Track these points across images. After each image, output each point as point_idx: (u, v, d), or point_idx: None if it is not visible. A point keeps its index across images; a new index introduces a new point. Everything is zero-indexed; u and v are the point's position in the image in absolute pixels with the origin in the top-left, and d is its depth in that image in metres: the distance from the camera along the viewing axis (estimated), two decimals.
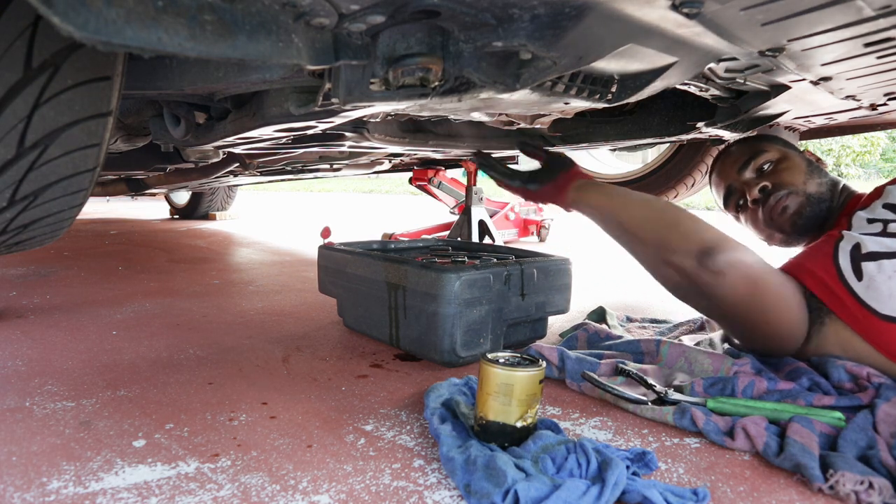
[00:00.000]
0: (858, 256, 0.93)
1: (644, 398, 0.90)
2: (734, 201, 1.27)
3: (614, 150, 2.28)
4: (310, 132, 1.15)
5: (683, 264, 0.92)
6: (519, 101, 0.88)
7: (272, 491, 0.66)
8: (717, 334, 1.20)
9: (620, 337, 1.20)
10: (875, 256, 0.91)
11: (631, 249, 1.03)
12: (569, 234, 3.81)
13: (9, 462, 0.72)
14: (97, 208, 5.80)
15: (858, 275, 0.91)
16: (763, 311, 0.92)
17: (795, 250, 1.19)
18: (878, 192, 1.07)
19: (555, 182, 1.15)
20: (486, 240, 2.85)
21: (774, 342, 0.96)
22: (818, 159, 1.30)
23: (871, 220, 1.00)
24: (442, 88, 0.75)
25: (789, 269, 1.00)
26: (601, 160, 2.56)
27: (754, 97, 1.09)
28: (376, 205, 7.46)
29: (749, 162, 1.24)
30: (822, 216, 1.18)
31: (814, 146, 9.04)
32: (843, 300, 0.92)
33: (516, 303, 1.16)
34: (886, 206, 1.01)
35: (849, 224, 1.03)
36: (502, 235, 3.17)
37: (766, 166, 1.23)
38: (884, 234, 0.96)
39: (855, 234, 0.96)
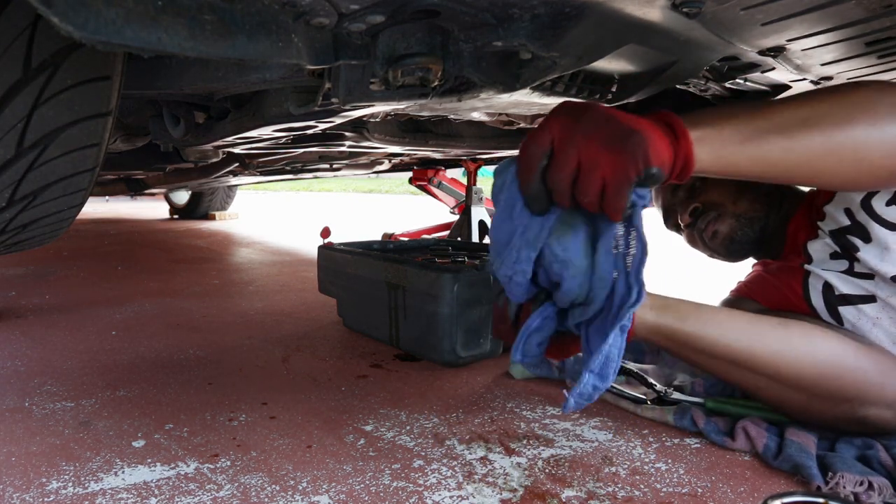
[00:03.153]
0: (833, 299, 0.86)
1: (644, 397, 0.90)
2: (672, 223, 1.12)
3: None
4: (309, 132, 1.14)
5: (884, 416, 0.76)
6: (519, 101, 0.88)
7: (272, 491, 0.66)
8: None
9: None
10: (851, 300, 0.84)
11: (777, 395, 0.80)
12: None
13: (8, 462, 0.72)
14: (97, 208, 5.80)
15: (837, 320, 0.85)
16: None
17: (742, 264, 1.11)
18: (816, 211, 0.93)
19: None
20: (487, 240, 2.85)
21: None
22: None
23: (834, 255, 0.88)
24: (442, 88, 0.75)
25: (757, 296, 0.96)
26: None
27: (754, 97, 1.09)
28: (376, 205, 7.46)
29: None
30: (756, 238, 1.02)
31: None
32: None
33: None
34: (834, 235, 0.87)
35: (805, 252, 0.92)
36: None
37: (698, 183, 1.04)
38: (851, 272, 0.85)
39: (820, 271, 0.88)
